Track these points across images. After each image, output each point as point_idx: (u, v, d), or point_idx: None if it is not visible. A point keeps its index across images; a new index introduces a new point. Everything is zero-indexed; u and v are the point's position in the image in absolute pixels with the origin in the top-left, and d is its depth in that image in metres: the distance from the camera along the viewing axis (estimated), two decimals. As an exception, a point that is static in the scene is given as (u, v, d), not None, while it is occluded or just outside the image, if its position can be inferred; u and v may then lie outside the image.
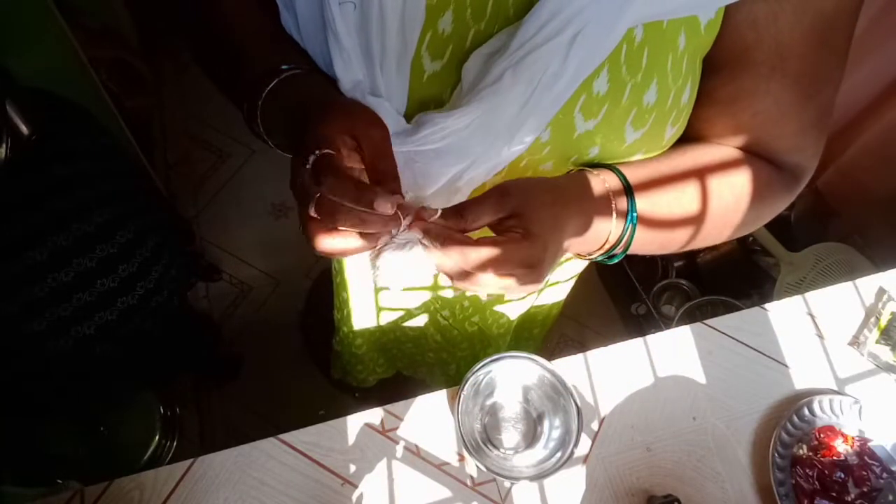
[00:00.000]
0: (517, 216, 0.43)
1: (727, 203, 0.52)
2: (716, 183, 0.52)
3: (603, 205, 0.48)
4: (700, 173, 0.52)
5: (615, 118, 0.48)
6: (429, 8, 0.45)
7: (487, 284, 0.42)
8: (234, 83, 0.51)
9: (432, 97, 0.49)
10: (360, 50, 0.46)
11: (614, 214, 0.48)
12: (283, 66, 0.46)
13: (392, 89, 0.47)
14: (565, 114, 0.47)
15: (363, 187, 0.38)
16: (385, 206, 0.37)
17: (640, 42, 0.45)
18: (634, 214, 0.48)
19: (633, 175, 0.50)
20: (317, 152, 0.38)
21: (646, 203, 0.49)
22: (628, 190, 0.48)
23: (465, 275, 0.42)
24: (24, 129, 0.87)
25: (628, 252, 0.51)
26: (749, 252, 1.50)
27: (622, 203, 0.48)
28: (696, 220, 0.52)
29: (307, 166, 0.38)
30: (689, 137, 0.54)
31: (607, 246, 0.50)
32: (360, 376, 1.02)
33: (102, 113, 1.22)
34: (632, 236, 0.49)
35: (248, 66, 0.49)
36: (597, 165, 0.51)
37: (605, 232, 0.48)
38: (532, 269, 0.42)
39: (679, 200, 0.51)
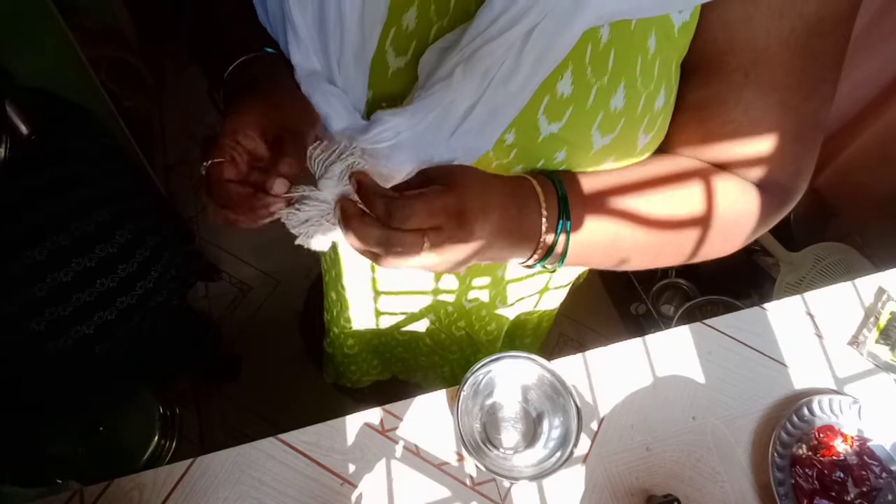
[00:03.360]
0: (441, 177, 0.43)
1: (688, 220, 0.49)
2: (676, 197, 0.49)
3: (532, 201, 0.46)
4: (660, 186, 0.49)
5: (581, 122, 0.46)
6: (393, 4, 0.44)
7: (409, 244, 0.41)
8: (211, 59, 0.52)
9: (397, 93, 0.48)
10: (319, 43, 0.46)
11: (543, 214, 0.46)
12: (263, 47, 0.48)
13: (350, 84, 0.47)
14: (529, 115, 0.46)
15: (236, 200, 0.43)
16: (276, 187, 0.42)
17: (607, 43, 0.43)
18: (567, 222, 0.46)
19: (592, 181, 0.48)
20: (205, 164, 0.43)
21: (596, 210, 0.47)
22: (560, 193, 0.47)
23: (385, 240, 0.41)
24: (23, 128, 0.87)
25: (571, 261, 0.49)
26: (748, 252, 1.50)
27: (553, 205, 0.46)
28: (649, 237, 0.49)
29: (202, 173, 0.43)
30: (661, 145, 0.52)
31: (539, 253, 0.47)
32: (354, 377, 1.01)
33: (102, 113, 1.22)
34: (567, 241, 0.47)
35: (225, 42, 0.51)
36: (541, 172, 0.49)
37: (529, 232, 0.46)
38: (460, 218, 0.42)
39: (631, 211, 0.48)
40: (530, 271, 0.67)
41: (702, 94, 0.48)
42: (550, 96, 0.45)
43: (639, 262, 0.53)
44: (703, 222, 0.50)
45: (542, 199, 0.46)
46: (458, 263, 0.44)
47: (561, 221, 0.47)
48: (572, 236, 0.47)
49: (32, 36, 1.02)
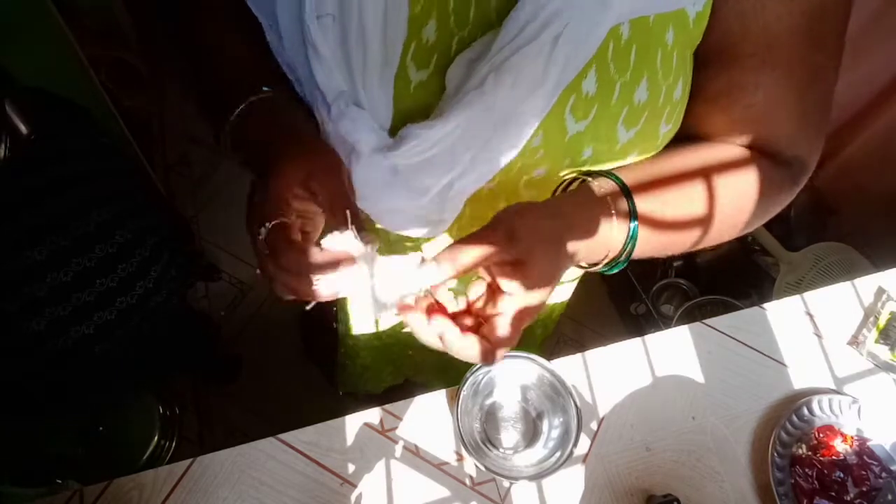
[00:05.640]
0: (515, 240, 0.42)
1: (729, 202, 0.51)
2: (717, 182, 0.51)
3: (602, 215, 0.46)
4: (701, 172, 0.50)
5: (606, 118, 0.47)
6: (411, 18, 0.44)
7: (511, 338, 0.43)
8: (212, 103, 0.52)
9: (421, 107, 0.48)
10: (342, 62, 0.46)
11: (615, 222, 0.46)
12: (265, 89, 0.47)
13: (375, 101, 0.47)
14: (556, 116, 0.47)
15: (311, 264, 0.40)
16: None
17: (627, 39, 0.44)
18: (635, 223, 0.47)
19: (633, 178, 0.49)
20: (267, 225, 0.40)
21: (646, 205, 0.48)
22: (626, 193, 0.47)
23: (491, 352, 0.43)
24: (23, 128, 0.87)
25: (631, 258, 0.49)
26: (748, 252, 1.50)
27: (622, 209, 0.47)
28: (699, 221, 0.51)
29: (259, 237, 0.40)
30: (683, 134, 0.53)
31: (611, 255, 0.48)
32: (368, 386, 1.01)
33: (102, 113, 1.22)
34: (634, 242, 0.47)
35: (225, 87, 0.50)
36: (594, 173, 0.49)
37: (607, 242, 0.47)
38: (535, 303, 0.43)
39: (680, 201, 0.50)
40: None
41: (721, 82, 0.49)
42: (576, 96, 0.46)
43: (683, 249, 0.54)
44: (740, 208, 0.52)
45: (612, 207, 0.46)
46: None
47: (631, 228, 0.47)
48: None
49: (32, 36, 1.03)
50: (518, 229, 0.41)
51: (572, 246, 0.44)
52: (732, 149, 0.52)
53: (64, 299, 0.90)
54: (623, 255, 0.48)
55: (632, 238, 0.47)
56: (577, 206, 0.46)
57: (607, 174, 0.48)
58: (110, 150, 1.04)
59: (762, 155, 0.53)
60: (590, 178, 0.48)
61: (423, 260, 0.42)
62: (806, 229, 1.43)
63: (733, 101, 0.50)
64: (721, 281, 1.49)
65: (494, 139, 0.46)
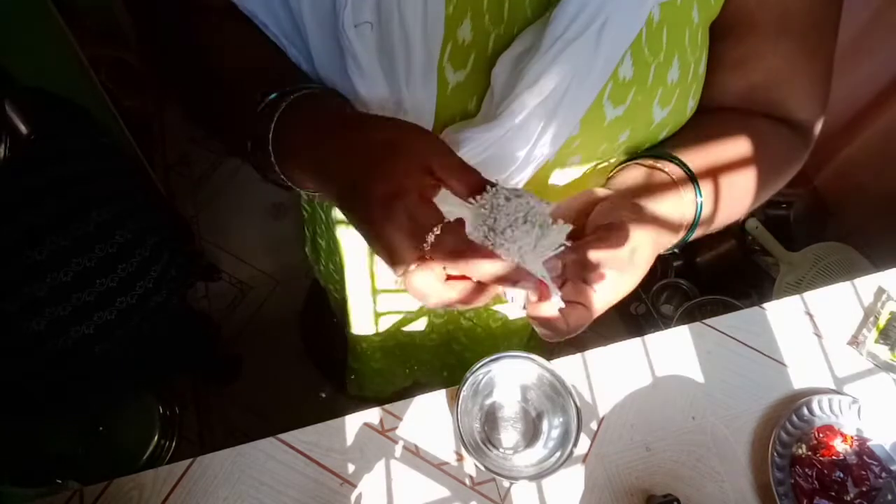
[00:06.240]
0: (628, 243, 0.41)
1: (766, 168, 0.52)
2: (756, 151, 0.51)
3: (681, 207, 0.46)
4: (743, 145, 0.51)
5: (643, 100, 0.48)
6: (447, 19, 0.44)
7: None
8: (234, 119, 0.47)
9: (458, 109, 0.48)
10: (382, 69, 0.45)
11: (686, 209, 0.46)
12: (288, 89, 0.41)
13: (419, 104, 0.46)
14: (595, 105, 0.47)
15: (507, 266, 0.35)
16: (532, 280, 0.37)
17: (659, 22, 0.45)
18: (700, 200, 0.46)
19: (688, 159, 0.48)
20: (435, 231, 0.34)
21: (707, 189, 0.48)
22: (691, 176, 0.47)
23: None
24: (23, 128, 0.87)
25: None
26: (748, 252, 1.50)
27: (689, 193, 0.46)
28: (747, 191, 0.52)
29: (426, 246, 0.34)
30: (702, 105, 0.53)
31: (677, 239, 0.48)
32: (378, 388, 1.01)
33: (102, 113, 1.22)
34: (697, 223, 0.47)
35: (250, 93, 0.44)
36: (652, 156, 0.49)
37: (679, 229, 0.47)
38: (612, 300, 0.44)
39: (731, 174, 0.50)
40: None
41: (740, 51, 0.50)
42: (613, 83, 0.46)
43: (722, 222, 0.53)
44: (772, 177, 0.53)
45: (682, 194, 0.46)
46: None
47: (699, 204, 0.46)
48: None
49: (32, 36, 1.03)
50: (635, 235, 0.41)
51: (661, 246, 0.45)
52: (756, 119, 0.53)
53: (64, 299, 0.90)
54: (685, 237, 0.48)
55: (697, 218, 0.47)
56: (663, 203, 0.45)
57: (669, 157, 0.48)
58: (110, 150, 1.04)
59: (777, 120, 0.54)
60: (656, 163, 0.47)
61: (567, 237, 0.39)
62: (806, 229, 1.43)
63: (751, 69, 0.51)
64: (721, 281, 1.49)
65: (545, 133, 0.46)
